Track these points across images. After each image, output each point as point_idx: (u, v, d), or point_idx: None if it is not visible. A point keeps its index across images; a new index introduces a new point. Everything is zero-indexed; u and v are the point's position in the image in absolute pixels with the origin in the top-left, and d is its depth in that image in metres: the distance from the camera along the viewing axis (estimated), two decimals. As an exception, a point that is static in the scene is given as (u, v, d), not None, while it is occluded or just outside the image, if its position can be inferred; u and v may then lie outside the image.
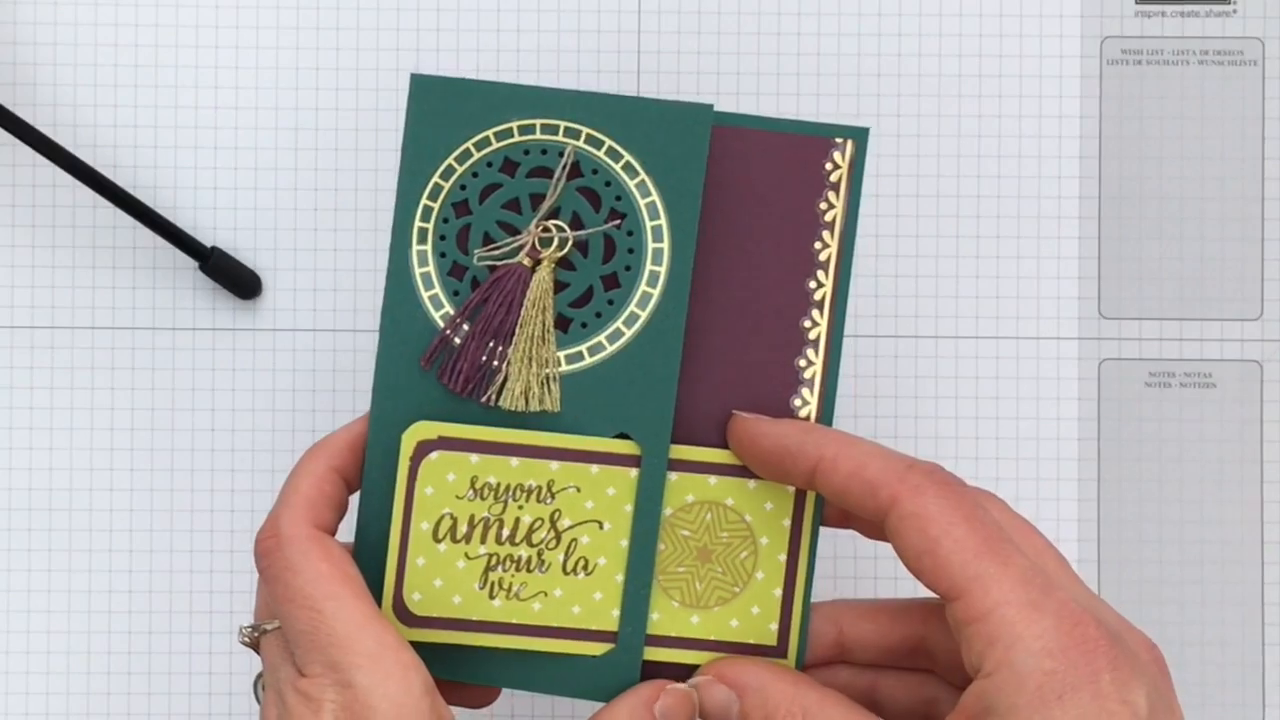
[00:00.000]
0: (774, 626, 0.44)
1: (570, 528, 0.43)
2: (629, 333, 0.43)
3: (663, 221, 0.43)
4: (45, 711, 0.55)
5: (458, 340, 0.43)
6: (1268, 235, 0.56)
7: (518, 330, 0.43)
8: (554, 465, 0.43)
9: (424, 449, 0.42)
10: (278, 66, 0.56)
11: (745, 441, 0.43)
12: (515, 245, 0.43)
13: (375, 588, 0.43)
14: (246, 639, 0.43)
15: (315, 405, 0.56)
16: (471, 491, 0.42)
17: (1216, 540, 0.56)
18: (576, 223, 0.43)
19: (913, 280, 0.56)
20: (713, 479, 0.44)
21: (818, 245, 0.44)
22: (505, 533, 0.43)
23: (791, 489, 0.44)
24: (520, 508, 0.43)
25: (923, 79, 0.56)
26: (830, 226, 0.44)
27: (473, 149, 0.43)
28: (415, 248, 0.44)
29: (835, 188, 0.44)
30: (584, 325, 0.43)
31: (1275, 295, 0.56)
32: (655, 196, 0.43)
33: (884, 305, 0.56)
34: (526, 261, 0.43)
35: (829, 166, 0.44)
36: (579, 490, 0.43)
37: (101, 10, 0.56)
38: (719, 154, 0.43)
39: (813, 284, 0.44)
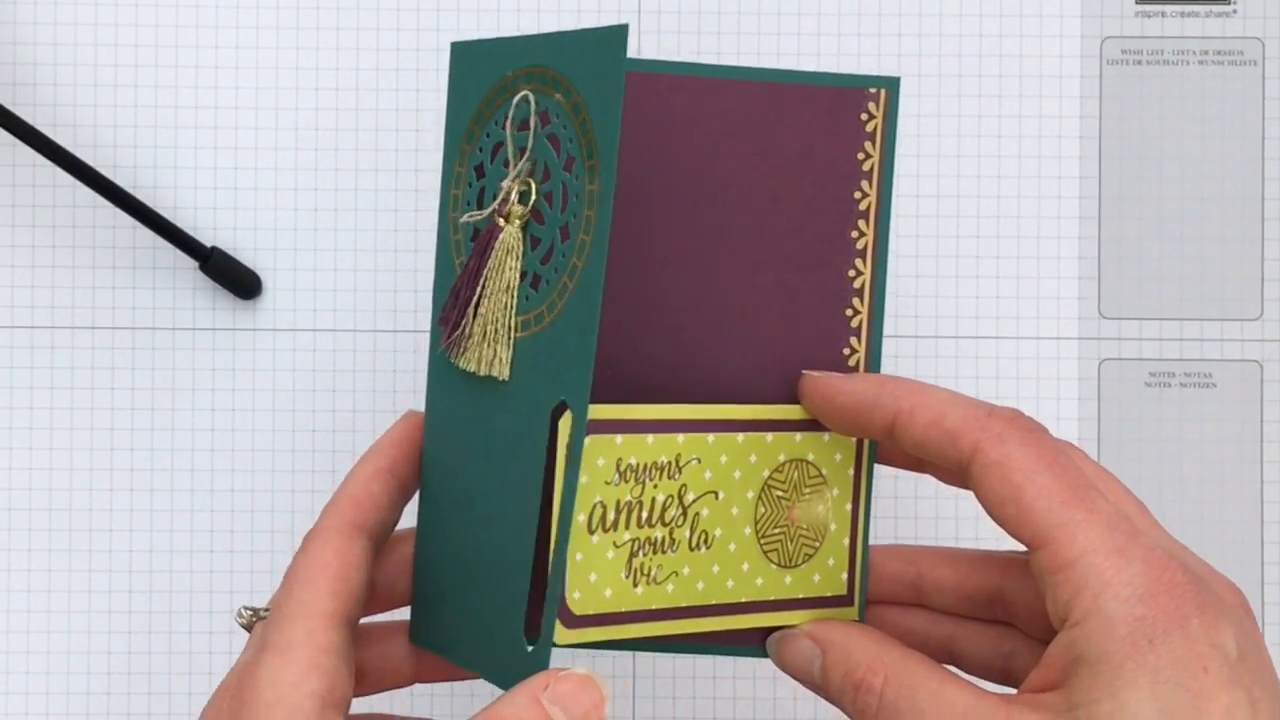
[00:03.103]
0: (844, 576, 0.44)
1: (694, 501, 0.42)
2: (571, 286, 0.39)
3: (596, 161, 0.39)
4: (45, 711, 0.55)
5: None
6: (1268, 235, 0.56)
7: (479, 291, 0.41)
8: (680, 438, 0.41)
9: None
10: (278, 67, 0.56)
11: (818, 399, 0.42)
12: (492, 205, 0.41)
13: (432, 583, 0.43)
14: (243, 620, 0.43)
15: (315, 405, 0.56)
16: (616, 475, 0.41)
17: (1216, 540, 0.56)
18: (547, 175, 0.40)
19: (913, 280, 0.56)
20: (798, 436, 0.43)
21: (858, 195, 0.44)
22: (644, 515, 0.41)
23: (854, 438, 0.44)
24: (655, 486, 0.41)
25: (922, 79, 0.56)
26: (869, 176, 0.44)
27: (485, 109, 0.42)
28: (450, 214, 0.43)
29: (871, 137, 0.43)
30: (548, 282, 0.40)
31: (1275, 295, 0.56)
32: (592, 134, 0.39)
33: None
34: (501, 221, 0.41)
35: (864, 117, 0.43)
36: (700, 461, 0.42)
37: (101, 10, 0.56)
38: (755, 109, 0.43)
39: (855, 233, 0.44)
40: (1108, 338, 0.56)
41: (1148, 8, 0.56)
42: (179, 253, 0.55)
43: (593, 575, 0.40)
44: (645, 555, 0.41)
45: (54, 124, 0.56)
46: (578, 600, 0.40)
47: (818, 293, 0.43)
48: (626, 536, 0.41)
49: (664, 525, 0.41)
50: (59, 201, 0.56)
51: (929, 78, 0.56)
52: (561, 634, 0.40)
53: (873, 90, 0.43)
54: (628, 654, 0.56)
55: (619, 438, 0.40)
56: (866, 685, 0.40)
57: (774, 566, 0.43)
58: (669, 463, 0.41)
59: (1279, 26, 0.56)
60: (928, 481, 0.47)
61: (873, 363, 0.44)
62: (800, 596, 0.44)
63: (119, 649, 0.55)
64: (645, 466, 0.41)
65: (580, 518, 0.40)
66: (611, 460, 0.40)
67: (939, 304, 0.56)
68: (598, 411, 0.40)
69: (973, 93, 0.56)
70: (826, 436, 0.44)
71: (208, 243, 0.55)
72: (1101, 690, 0.37)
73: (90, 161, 0.54)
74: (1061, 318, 0.56)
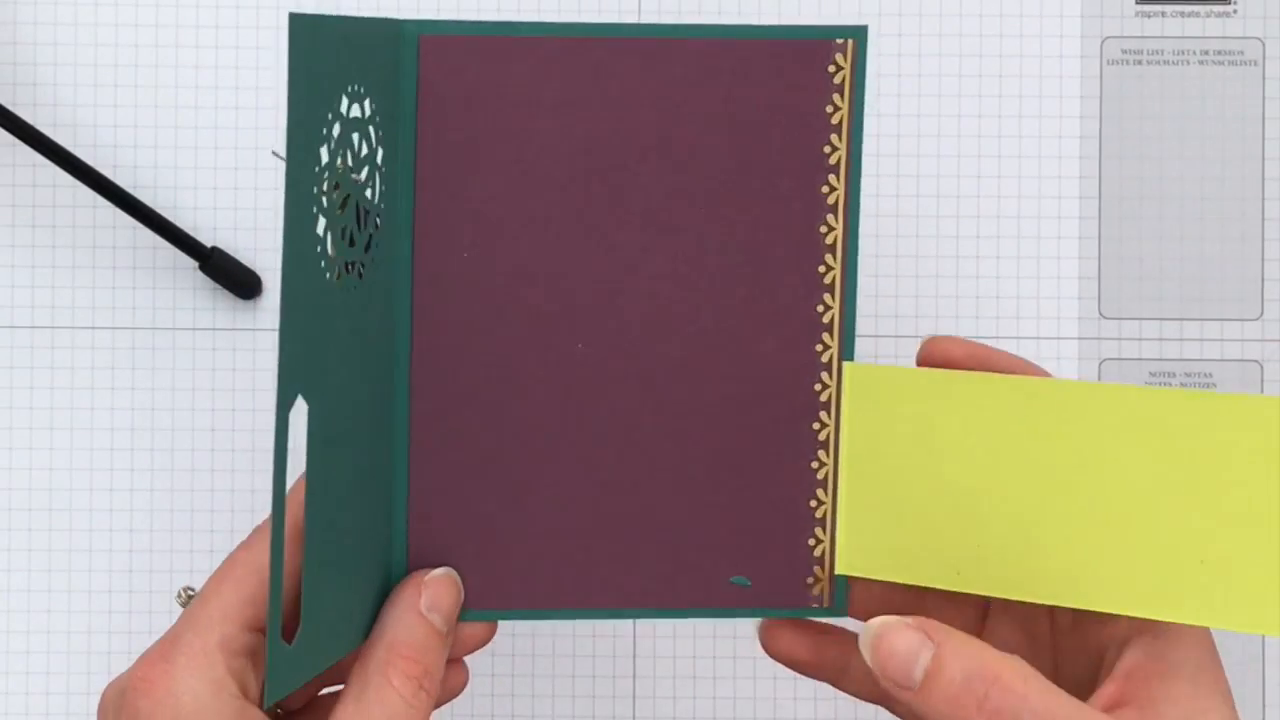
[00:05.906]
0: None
1: None
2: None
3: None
4: (45, 711, 0.55)
5: None
6: (1268, 235, 0.56)
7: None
8: None
9: None
10: (278, 66, 0.56)
11: (977, 360, 0.42)
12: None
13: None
14: (181, 601, 0.43)
15: (315, 405, 0.56)
16: None
17: (1216, 540, 0.56)
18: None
19: (913, 280, 0.56)
20: None
21: (827, 149, 0.43)
22: None
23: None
24: None
25: (923, 79, 0.56)
26: (838, 129, 0.43)
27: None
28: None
29: (840, 89, 0.43)
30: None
31: (1275, 295, 0.56)
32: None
33: (884, 305, 0.56)
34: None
35: (832, 69, 0.43)
36: None
37: (101, 10, 0.56)
38: (715, 68, 0.43)
39: (826, 188, 0.43)
40: (1108, 338, 0.56)
41: (1148, 8, 0.56)
42: (179, 253, 0.55)
43: None
44: None
45: (54, 124, 0.56)
46: None
47: (789, 250, 0.43)
48: None
49: None
50: (59, 201, 0.56)
51: (929, 77, 0.56)
52: None
53: (839, 41, 0.43)
54: (627, 654, 0.56)
55: None
56: (1006, 685, 0.36)
57: None
58: None
59: (1279, 26, 0.56)
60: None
61: (847, 316, 0.43)
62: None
63: (119, 649, 0.55)
64: None
65: None
66: None
67: (939, 304, 0.56)
68: None
69: (973, 93, 0.56)
70: None
71: (208, 243, 0.55)
72: (1206, 700, 0.37)
73: (90, 161, 0.54)
74: (1061, 318, 0.56)
